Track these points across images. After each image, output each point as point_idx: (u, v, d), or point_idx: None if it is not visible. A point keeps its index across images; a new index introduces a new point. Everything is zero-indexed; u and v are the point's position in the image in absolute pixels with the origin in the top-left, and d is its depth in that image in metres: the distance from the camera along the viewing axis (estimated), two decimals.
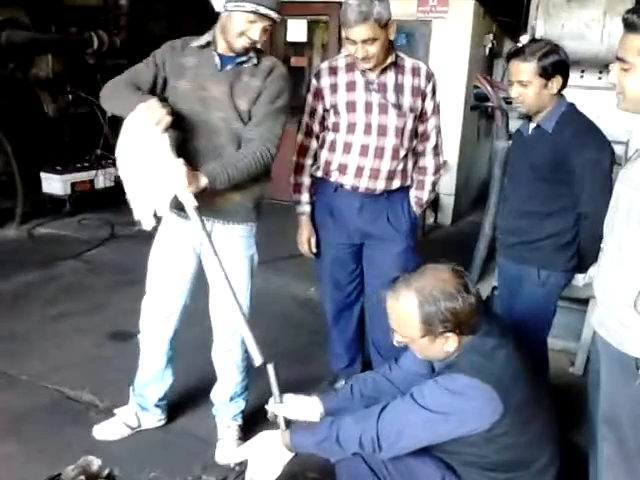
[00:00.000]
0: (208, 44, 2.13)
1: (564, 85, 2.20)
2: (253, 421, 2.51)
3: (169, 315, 2.35)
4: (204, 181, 1.95)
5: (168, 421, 2.61)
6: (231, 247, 2.23)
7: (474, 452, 1.67)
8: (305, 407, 1.93)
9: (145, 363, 2.46)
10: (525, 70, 2.14)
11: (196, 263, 2.31)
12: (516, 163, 2.44)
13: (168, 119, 1.92)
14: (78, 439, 2.46)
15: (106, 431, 2.48)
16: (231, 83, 2.09)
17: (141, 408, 2.52)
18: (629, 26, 1.44)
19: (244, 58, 2.10)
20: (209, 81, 2.10)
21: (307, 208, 2.63)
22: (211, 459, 2.39)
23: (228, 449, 2.38)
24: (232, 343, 2.35)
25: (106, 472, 2.23)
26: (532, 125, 2.30)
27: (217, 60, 2.11)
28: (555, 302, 2.44)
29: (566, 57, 2.17)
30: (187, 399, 2.75)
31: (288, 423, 1.89)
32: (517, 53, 2.19)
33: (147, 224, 2.01)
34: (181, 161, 1.91)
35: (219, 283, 2.21)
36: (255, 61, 2.12)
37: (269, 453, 1.76)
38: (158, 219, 2.07)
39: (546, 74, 2.13)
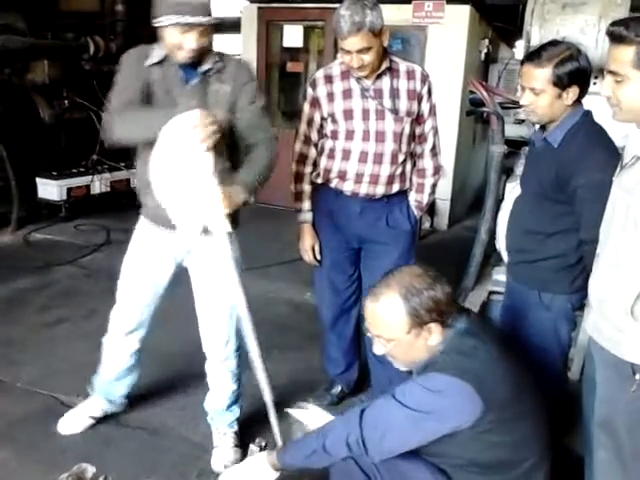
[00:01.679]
0: (165, 59, 2.06)
1: (582, 94, 1.99)
2: (248, 429, 2.49)
3: (144, 319, 2.37)
4: (242, 197, 1.96)
5: (165, 428, 2.60)
6: (212, 256, 2.21)
7: (461, 454, 1.67)
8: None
9: (113, 364, 2.49)
10: (538, 77, 1.93)
11: (172, 273, 2.30)
12: (526, 176, 2.27)
13: (216, 137, 1.86)
14: (72, 446, 2.44)
15: (71, 425, 2.53)
16: (201, 96, 2.04)
17: (109, 402, 2.58)
18: (617, 38, 1.45)
19: (208, 66, 2.05)
20: (179, 96, 2.05)
21: (309, 216, 2.63)
22: (207, 465, 2.38)
23: (224, 456, 2.37)
24: (227, 351, 2.34)
25: (100, 479, 2.22)
26: (543, 135, 2.10)
27: (182, 74, 2.06)
28: (567, 326, 2.23)
29: (587, 64, 1.96)
30: (183, 405, 2.74)
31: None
32: (532, 56, 1.98)
33: (192, 235, 1.99)
34: (220, 188, 1.87)
35: (210, 296, 2.25)
36: (220, 65, 2.07)
37: (254, 475, 1.77)
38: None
39: (561, 84, 1.92)
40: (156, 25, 1.98)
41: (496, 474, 1.68)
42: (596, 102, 2.09)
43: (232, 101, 2.07)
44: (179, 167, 1.86)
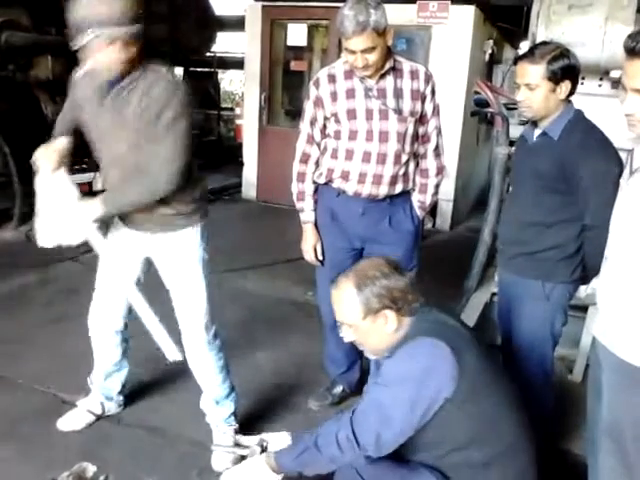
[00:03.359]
0: (89, 72, 2.05)
1: (573, 91, 2.12)
2: (250, 429, 2.49)
3: (117, 310, 2.43)
4: (98, 210, 2.04)
5: (165, 426, 2.60)
6: (177, 252, 2.26)
7: (448, 435, 1.69)
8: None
9: (101, 358, 2.54)
10: (533, 73, 2.06)
11: (140, 267, 2.37)
12: (519, 171, 2.35)
13: (50, 160, 2.11)
14: (73, 444, 2.44)
15: (71, 422, 2.56)
16: (118, 110, 2.01)
17: (107, 398, 2.62)
18: (637, 53, 1.39)
19: (126, 81, 1.99)
20: (99, 112, 2.06)
21: (311, 216, 2.62)
22: (207, 464, 2.37)
23: (224, 455, 2.36)
24: (198, 346, 2.35)
25: (101, 478, 2.22)
26: (537, 131, 2.21)
27: (101, 88, 2.03)
28: (561, 317, 2.29)
29: (576, 62, 2.10)
30: (183, 404, 2.73)
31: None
32: (526, 55, 2.11)
33: (44, 244, 2.15)
34: (75, 192, 2.08)
35: (176, 286, 2.31)
36: (141, 80, 1.99)
37: (255, 478, 1.77)
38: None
39: (555, 78, 2.05)
40: (80, 43, 1.86)
41: (482, 448, 1.69)
42: (586, 102, 2.29)
43: (146, 115, 1.99)
44: (45, 188, 2.16)
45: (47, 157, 2.13)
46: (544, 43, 2.21)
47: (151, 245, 2.27)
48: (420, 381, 1.62)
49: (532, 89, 2.09)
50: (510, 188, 2.58)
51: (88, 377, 2.63)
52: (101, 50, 1.87)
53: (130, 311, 2.39)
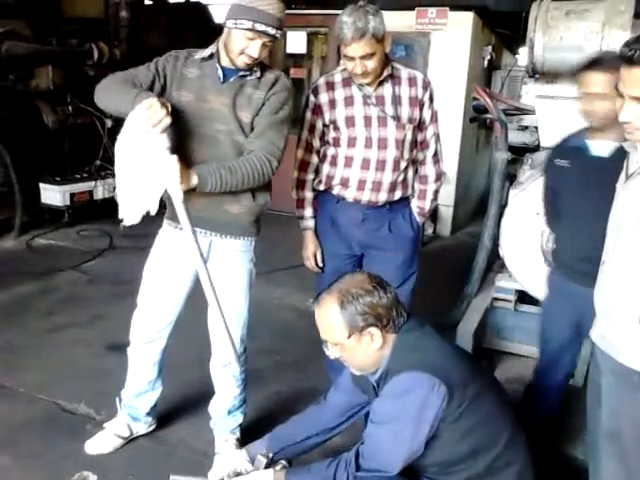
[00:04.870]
0: (211, 56, 2.12)
1: None
2: (251, 435, 2.48)
3: (164, 327, 2.35)
4: (195, 180, 1.97)
5: (166, 434, 2.59)
6: (229, 261, 2.23)
7: (448, 452, 1.70)
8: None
9: (136, 375, 2.45)
10: (606, 81, 1.94)
11: (193, 275, 2.27)
12: (580, 185, 2.20)
13: (167, 120, 1.91)
14: (74, 452, 2.43)
15: (98, 445, 2.46)
16: (233, 96, 2.09)
17: (133, 419, 2.51)
18: (636, 62, 1.37)
19: (247, 71, 2.11)
20: (211, 93, 2.10)
21: (311, 223, 2.62)
22: (209, 472, 2.36)
23: (226, 463, 2.35)
24: (229, 357, 2.33)
25: None
26: (605, 143, 2.09)
27: (220, 72, 2.10)
28: None
29: None
30: (185, 412, 2.74)
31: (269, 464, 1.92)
32: (594, 64, 2.02)
33: (131, 220, 2.01)
34: (176, 157, 1.92)
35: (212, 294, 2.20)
36: (258, 74, 2.12)
37: None
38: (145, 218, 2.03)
39: None
40: (226, 26, 2.04)
41: (482, 457, 1.70)
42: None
43: (261, 107, 2.11)
44: (137, 149, 1.96)
45: (159, 117, 1.89)
46: (607, 53, 2.13)
47: (205, 248, 2.17)
48: (417, 416, 1.63)
49: (603, 99, 1.96)
50: (510, 197, 2.54)
51: (118, 397, 2.54)
52: (258, 46, 2.01)
53: (174, 326, 2.37)
